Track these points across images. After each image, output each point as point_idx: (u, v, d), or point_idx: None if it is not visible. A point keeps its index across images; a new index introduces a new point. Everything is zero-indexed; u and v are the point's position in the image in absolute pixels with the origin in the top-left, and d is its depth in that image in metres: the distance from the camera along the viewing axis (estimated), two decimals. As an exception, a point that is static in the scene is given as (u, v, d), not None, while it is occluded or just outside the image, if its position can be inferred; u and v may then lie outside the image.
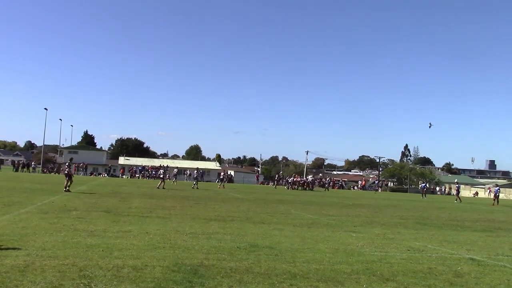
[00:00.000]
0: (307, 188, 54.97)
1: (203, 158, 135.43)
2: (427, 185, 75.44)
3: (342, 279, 7.00)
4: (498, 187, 44.07)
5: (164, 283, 6.16)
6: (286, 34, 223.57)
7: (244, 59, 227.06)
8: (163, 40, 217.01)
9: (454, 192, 46.12)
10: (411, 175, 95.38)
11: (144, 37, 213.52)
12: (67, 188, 23.82)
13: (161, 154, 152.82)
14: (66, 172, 25.06)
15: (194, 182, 39.08)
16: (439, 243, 12.05)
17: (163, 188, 32.81)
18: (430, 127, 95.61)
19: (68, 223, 11.51)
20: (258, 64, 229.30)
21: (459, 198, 42.03)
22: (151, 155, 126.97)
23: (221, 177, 40.96)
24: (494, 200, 39.15)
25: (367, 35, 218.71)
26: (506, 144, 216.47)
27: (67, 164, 26.39)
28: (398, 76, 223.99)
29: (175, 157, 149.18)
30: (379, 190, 66.34)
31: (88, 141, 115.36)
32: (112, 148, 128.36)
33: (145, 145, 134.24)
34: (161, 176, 35.11)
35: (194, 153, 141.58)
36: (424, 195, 50.88)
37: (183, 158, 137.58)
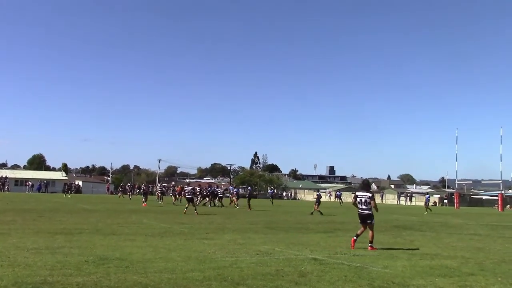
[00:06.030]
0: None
1: (48, 168, 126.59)
2: (275, 191, 79.19)
3: (194, 287, 7.06)
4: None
5: (1, 305, 5.66)
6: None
7: (97, 60, 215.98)
8: None
9: (314, 200, 32.80)
10: (260, 182, 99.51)
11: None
12: (196, 211, 24.26)
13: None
14: (190, 196, 24.88)
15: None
16: (286, 245, 12.75)
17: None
18: None
19: None
20: (105, 68, 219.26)
21: (319, 210, 30.18)
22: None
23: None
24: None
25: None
26: (343, 151, 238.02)
27: (192, 188, 26.21)
28: (239, 82, 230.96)
29: (15, 167, 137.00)
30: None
31: None
32: None
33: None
34: None
35: (38, 162, 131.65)
36: (272, 201, 52.09)
37: (25, 168, 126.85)
